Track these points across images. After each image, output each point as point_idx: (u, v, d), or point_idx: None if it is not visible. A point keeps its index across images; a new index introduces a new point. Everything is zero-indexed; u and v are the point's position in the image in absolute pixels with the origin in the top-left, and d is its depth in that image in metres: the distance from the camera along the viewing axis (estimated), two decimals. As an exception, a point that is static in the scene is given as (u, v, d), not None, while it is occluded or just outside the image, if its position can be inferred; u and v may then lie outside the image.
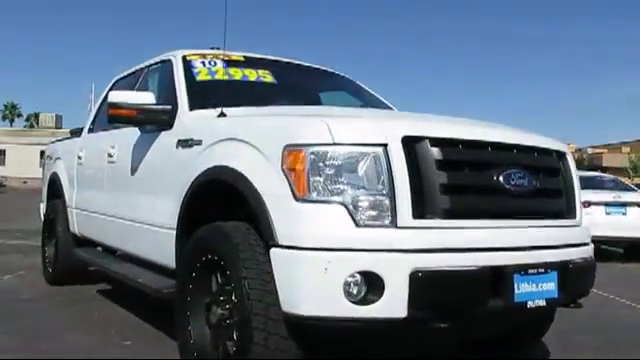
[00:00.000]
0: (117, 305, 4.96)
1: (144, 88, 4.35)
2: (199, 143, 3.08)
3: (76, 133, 5.72)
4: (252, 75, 3.90)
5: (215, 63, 3.88)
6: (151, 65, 4.38)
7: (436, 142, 2.49)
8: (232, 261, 2.58)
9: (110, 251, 4.96)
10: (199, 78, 3.71)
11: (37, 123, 59.82)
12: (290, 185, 2.42)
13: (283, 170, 2.46)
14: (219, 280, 2.80)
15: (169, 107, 3.52)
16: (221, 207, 2.98)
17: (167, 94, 3.69)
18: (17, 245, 9.17)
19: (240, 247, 2.57)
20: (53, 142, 6.74)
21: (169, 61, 3.97)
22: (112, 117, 3.52)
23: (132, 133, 3.94)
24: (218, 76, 3.78)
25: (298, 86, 4.22)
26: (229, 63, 3.93)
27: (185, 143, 3.21)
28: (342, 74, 4.70)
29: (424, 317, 2.35)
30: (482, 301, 2.41)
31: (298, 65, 4.42)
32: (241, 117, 3.09)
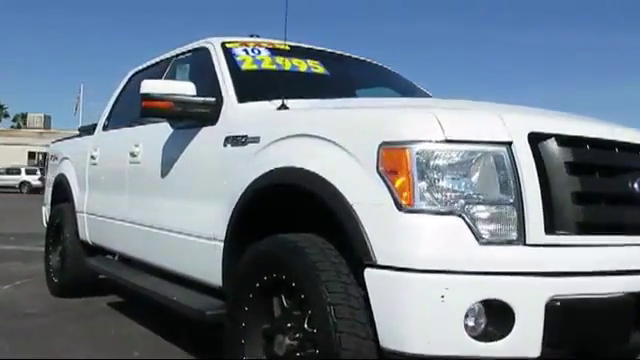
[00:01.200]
0: (134, 321, 4.47)
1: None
2: (255, 140, 2.62)
3: (86, 131, 5.22)
4: (302, 65, 3.45)
5: (259, 51, 3.43)
6: (180, 55, 3.91)
7: (565, 141, 2.05)
8: (308, 282, 2.12)
9: (125, 260, 4.48)
10: (244, 67, 3.25)
11: (24, 124, 58.84)
12: (391, 191, 1.97)
13: (380, 173, 2.01)
14: (285, 304, 2.35)
15: (212, 99, 3.05)
16: (284, 216, 2.53)
17: (205, 86, 3.21)
18: (12, 251, 8.62)
19: (319, 266, 2.12)
20: (56, 141, 6.24)
21: (205, 49, 3.51)
22: (145, 110, 3.05)
23: (162, 130, 3.47)
24: (265, 65, 3.33)
25: (350, 77, 3.77)
26: (273, 52, 3.48)
27: (236, 140, 2.75)
28: (387, 66, 4.26)
29: (559, 357, 1.91)
30: (625, 335, 1.98)
31: (343, 55, 3.97)
32: (311, 110, 2.64)
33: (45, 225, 6.17)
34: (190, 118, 3.09)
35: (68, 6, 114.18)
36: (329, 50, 3.91)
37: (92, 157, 4.64)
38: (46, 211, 6.07)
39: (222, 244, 2.77)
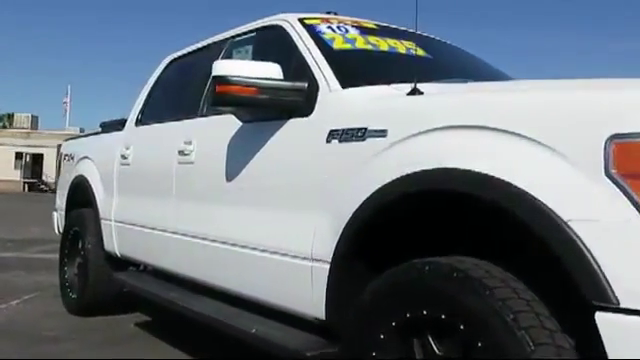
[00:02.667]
0: (174, 347, 3.85)
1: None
2: (380, 134, 2.03)
3: (111, 127, 4.60)
4: (400, 47, 2.86)
5: (346, 29, 2.84)
6: (237, 36, 3.31)
7: None
8: (494, 329, 1.54)
9: (157, 274, 3.87)
10: (336, 47, 2.66)
11: (10, 124, 57.62)
12: (634, 202, 1.40)
13: (611, 177, 1.43)
14: (437, 349, 1.77)
15: (303, 85, 2.46)
16: (421, 232, 1.96)
17: (283, 70, 2.61)
18: (12, 259, 7.94)
19: (512, 305, 1.54)
20: (71, 139, 5.60)
21: (278, 27, 2.91)
22: (219, 97, 2.45)
23: (225, 123, 2.87)
24: (359, 45, 2.74)
25: (449, 61, 3.18)
26: (362, 31, 2.90)
27: (348, 135, 2.15)
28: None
29: None
30: None
31: (429, 37, 3.38)
32: (468, 94, 2.05)
33: (57, 232, 5.54)
34: (277, 108, 2.49)
35: (56, 5, 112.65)
36: (412, 31, 3.31)
37: (123, 156, 4.02)
38: (59, 217, 5.43)
39: (327, 266, 2.18)
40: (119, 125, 4.41)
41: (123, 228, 3.96)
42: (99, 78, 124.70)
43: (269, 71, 2.47)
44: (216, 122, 3.04)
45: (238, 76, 2.43)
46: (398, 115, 2.03)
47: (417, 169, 1.85)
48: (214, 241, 2.88)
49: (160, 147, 3.57)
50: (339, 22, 2.90)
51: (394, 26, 3.16)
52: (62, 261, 4.98)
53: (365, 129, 2.09)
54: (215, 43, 3.57)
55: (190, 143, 3.17)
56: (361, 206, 2.03)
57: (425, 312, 1.75)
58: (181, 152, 3.24)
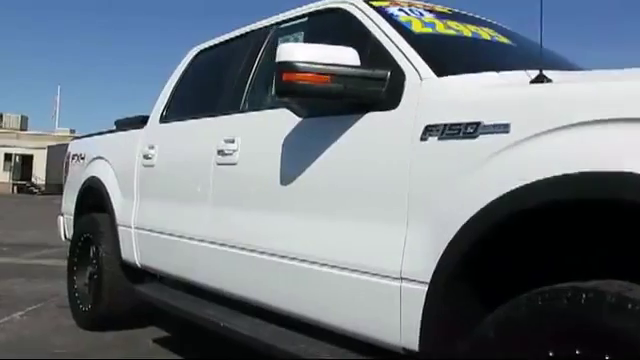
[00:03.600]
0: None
1: (269, 60, 2.93)
2: (500, 130, 1.67)
3: (129, 124, 4.21)
4: (483, 33, 2.52)
5: (421, 13, 2.49)
6: (287, 21, 2.94)
7: None
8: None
9: (180, 286, 3.50)
10: (416, 31, 2.31)
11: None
12: None
13: None
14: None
15: (384, 72, 2.11)
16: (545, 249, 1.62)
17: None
18: (9, 265, 7.51)
19: None
20: (81, 137, 5.20)
21: (340, 10, 2.55)
22: (285, 86, 2.09)
23: (279, 119, 2.52)
24: (440, 29, 2.38)
25: (530, 50, 2.83)
26: (437, 15, 2.55)
27: (454, 131, 1.79)
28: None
29: None
30: None
31: (501, 25, 3.03)
32: (598, 82, 1.71)
33: (64, 239, 5.13)
34: (352, 100, 2.13)
35: (46, 5, 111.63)
36: (478, 16, 2.96)
37: (146, 156, 3.64)
38: (66, 222, 5.03)
39: (422, 287, 1.82)
40: (138, 122, 4.03)
41: (146, 236, 3.57)
42: (89, 79, 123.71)
43: (345, 56, 2.11)
44: (266, 118, 2.68)
45: (309, 62, 2.07)
46: (525, 107, 1.68)
47: (568, 171, 1.49)
48: (263, 253, 2.51)
49: (193, 146, 3.19)
50: (409, 5, 2.55)
51: (465, 12, 2.81)
52: (71, 270, 4.57)
53: (478, 124, 1.73)
54: (254, 32, 3.21)
55: (232, 142, 2.80)
56: (476, 216, 1.67)
57: (579, 352, 1.39)
58: (221, 152, 2.87)
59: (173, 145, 3.44)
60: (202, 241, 2.95)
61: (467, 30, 2.46)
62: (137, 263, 3.74)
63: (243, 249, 2.60)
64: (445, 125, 1.82)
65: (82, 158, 4.76)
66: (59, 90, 63.66)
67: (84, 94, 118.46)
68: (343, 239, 2.13)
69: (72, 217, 4.76)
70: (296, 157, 2.40)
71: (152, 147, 3.59)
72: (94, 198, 4.38)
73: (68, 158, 5.13)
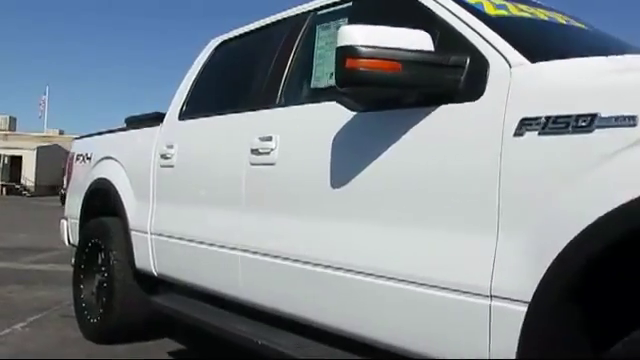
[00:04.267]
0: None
1: (307, 49, 2.67)
2: (626, 122, 1.40)
3: (142, 121, 3.92)
4: (559, 17, 2.27)
5: (484, -5, 2.23)
6: (327, 7, 2.67)
7: None
8: None
9: (200, 297, 3.22)
10: (491, 13, 2.05)
11: (-14, 126, 55.91)
12: None
13: None
14: None
15: (463, 59, 1.84)
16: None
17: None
18: (6, 270, 7.17)
19: None
20: (84, 137, 4.89)
21: (393, -7, 2.30)
22: (350, 75, 1.82)
23: (326, 113, 2.27)
24: (514, 12, 2.12)
25: (602, 36, 2.57)
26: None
27: (561, 124, 1.51)
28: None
29: None
30: None
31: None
32: None
33: (67, 244, 4.83)
34: (424, 90, 1.87)
35: (33, 7, 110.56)
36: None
37: (163, 156, 3.35)
38: (70, 226, 4.72)
39: (519, 307, 1.56)
40: (152, 120, 3.75)
41: (164, 242, 3.28)
42: (78, 80, 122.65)
43: (417, 41, 1.84)
44: (310, 113, 2.42)
45: (376, 47, 1.80)
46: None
47: None
48: (307, 263, 2.24)
49: (220, 145, 2.91)
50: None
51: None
52: (77, 278, 4.28)
53: (594, 115, 1.47)
54: (286, 20, 2.94)
55: (270, 139, 2.53)
56: (595, 226, 1.41)
57: None
58: (255, 151, 2.59)
59: (196, 144, 3.16)
60: (233, 249, 2.67)
61: (541, 14, 2.21)
62: (153, 271, 3.45)
63: (295, 261, 2.30)
64: (548, 118, 1.56)
65: (88, 158, 4.46)
66: (47, 91, 63.06)
67: (73, 95, 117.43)
68: (411, 249, 1.87)
69: (77, 221, 4.46)
70: (351, 157, 2.14)
71: (171, 146, 3.31)
72: (103, 201, 4.09)
73: (71, 159, 4.83)
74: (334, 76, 1.89)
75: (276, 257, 2.41)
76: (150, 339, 4.03)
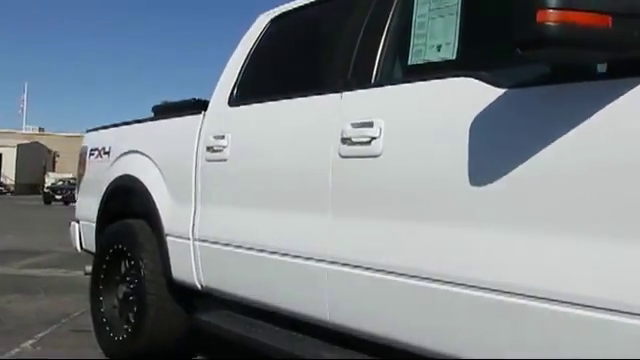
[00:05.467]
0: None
1: (406, 16, 2.19)
2: None
3: (177, 109, 3.40)
4: None
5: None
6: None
7: None
8: None
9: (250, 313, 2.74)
10: None
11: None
12: None
13: None
14: None
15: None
16: None
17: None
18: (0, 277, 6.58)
19: None
20: (98, 129, 4.35)
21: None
22: (540, 31, 1.35)
23: (454, 91, 1.80)
24: None
25: None
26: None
27: None
28: None
29: None
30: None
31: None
32: None
33: (79, 249, 4.30)
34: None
35: (12, 4, 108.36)
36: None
37: (211, 149, 2.85)
38: (83, 230, 4.19)
39: None
40: (190, 108, 3.23)
41: (214, 250, 2.78)
42: (58, 77, 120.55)
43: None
44: (429, 91, 1.94)
45: (573, -6, 1.33)
46: None
47: None
48: (437, 281, 1.76)
49: (294, 134, 2.41)
50: None
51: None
52: (95, 289, 3.74)
53: None
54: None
55: (369, 125, 2.04)
56: None
57: None
58: (348, 140, 2.11)
59: (257, 134, 2.65)
60: (319, 260, 2.19)
61: None
62: (196, 284, 2.95)
63: (425, 279, 1.82)
64: None
65: (106, 153, 3.92)
66: (26, 87, 61.75)
67: (53, 92, 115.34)
68: (602, 265, 1.41)
69: (93, 224, 3.92)
70: (497, 145, 1.67)
71: (221, 137, 2.80)
72: (127, 201, 3.58)
73: (84, 154, 4.28)
74: (515, 34, 1.40)
75: (388, 273, 1.92)
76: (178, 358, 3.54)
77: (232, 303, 2.88)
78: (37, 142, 48.69)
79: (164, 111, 3.54)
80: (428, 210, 1.87)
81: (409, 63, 2.14)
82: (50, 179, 39.21)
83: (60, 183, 34.32)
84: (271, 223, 2.45)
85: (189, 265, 2.97)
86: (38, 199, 33.18)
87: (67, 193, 30.94)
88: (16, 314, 4.73)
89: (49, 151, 51.35)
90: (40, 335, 4.07)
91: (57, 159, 52.83)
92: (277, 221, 2.42)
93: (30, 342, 3.88)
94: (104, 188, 3.77)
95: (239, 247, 2.61)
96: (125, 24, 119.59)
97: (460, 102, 1.80)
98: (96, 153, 4.08)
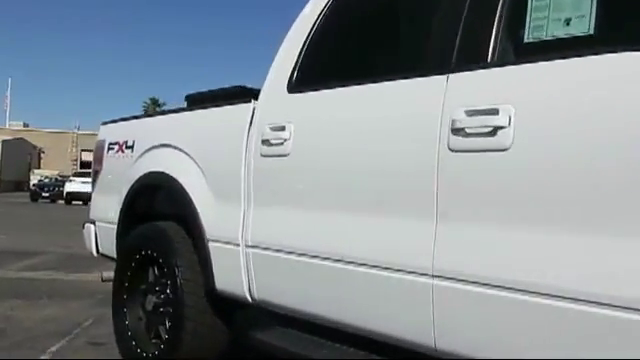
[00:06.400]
0: None
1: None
2: None
3: (217, 97, 3.02)
4: None
5: None
6: None
7: None
8: None
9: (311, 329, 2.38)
10: None
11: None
12: None
13: None
14: None
15: None
16: None
17: None
18: (-3, 281, 6.14)
19: None
20: (117, 121, 3.94)
21: None
22: None
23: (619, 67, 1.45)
24: None
25: None
26: None
27: None
28: None
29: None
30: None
31: None
32: None
33: (95, 254, 3.90)
34: None
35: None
36: None
37: (267, 142, 2.47)
38: (99, 232, 3.80)
39: None
40: (236, 96, 2.85)
41: (272, 259, 2.41)
42: (43, 72, 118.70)
43: None
44: (579, 69, 1.59)
45: None
46: None
47: None
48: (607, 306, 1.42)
49: (384, 124, 2.05)
50: None
51: None
52: (119, 299, 3.35)
53: None
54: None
55: (493, 113, 1.68)
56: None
57: None
58: (460, 131, 1.75)
59: (331, 124, 2.26)
60: (422, 274, 1.83)
61: None
62: (247, 296, 2.58)
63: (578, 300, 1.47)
64: None
65: (129, 147, 3.53)
66: (9, 83, 60.58)
67: (38, 88, 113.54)
68: None
69: (114, 226, 3.53)
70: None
71: (280, 128, 2.42)
72: (158, 201, 3.21)
73: (100, 149, 3.88)
74: None
75: (527, 293, 1.57)
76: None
77: (285, 317, 2.53)
78: (22, 138, 47.69)
79: (201, 100, 3.15)
80: (583, 216, 1.52)
81: (530, 39, 1.80)
82: (35, 176, 38.39)
83: (47, 180, 33.51)
84: (353, 230, 2.08)
85: (238, 275, 2.60)
86: (24, 196, 32.39)
87: (54, 190, 30.23)
88: (22, 324, 4.32)
89: (34, 147, 50.40)
90: (53, 349, 3.67)
91: (42, 155, 51.86)
92: (361, 228, 2.05)
93: (44, 358, 3.48)
94: (127, 186, 3.39)
95: (306, 255, 2.24)
96: (113, 19, 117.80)
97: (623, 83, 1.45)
98: (116, 147, 3.68)
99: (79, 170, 36.08)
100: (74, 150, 51.98)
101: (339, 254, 2.10)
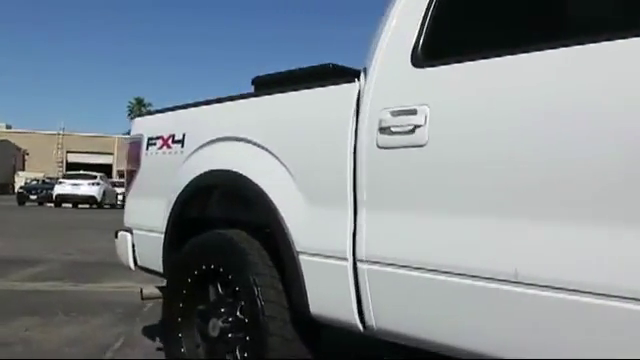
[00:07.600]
0: None
1: None
2: None
3: (299, 78, 2.49)
4: None
5: None
6: None
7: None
8: None
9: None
10: None
11: None
12: None
13: None
14: None
15: None
16: None
17: None
18: (3, 294, 5.53)
19: None
20: (164, 111, 3.39)
21: None
22: None
23: None
24: None
25: None
26: None
27: None
28: None
29: None
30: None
31: None
32: None
33: (132, 266, 3.35)
34: None
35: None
36: None
37: (387, 130, 1.95)
38: (137, 241, 3.26)
39: None
40: (324, 76, 2.33)
41: (402, 278, 1.89)
42: (24, 73, 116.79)
43: None
44: None
45: None
46: None
47: None
48: None
49: (573, 104, 1.54)
50: None
51: None
52: (171, 322, 2.81)
53: None
54: None
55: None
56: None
57: None
58: None
59: (490, 104, 1.74)
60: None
61: None
62: (358, 324, 2.06)
63: None
64: None
65: (177, 142, 2.99)
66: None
67: (20, 89, 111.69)
68: None
69: (159, 235, 2.99)
70: None
71: (410, 111, 1.89)
72: (222, 206, 2.68)
73: (136, 146, 3.33)
74: None
75: None
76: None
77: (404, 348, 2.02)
78: (6, 140, 46.56)
79: (278, 83, 2.61)
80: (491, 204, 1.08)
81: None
82: (20, 178, 37.47)
83: (34, 183, 32.61)
84: (527, 241, 1.57)
85: (344, 296, 2.07)
86: (10, 199, 31.48)
87: (42, 193, 29.36)
88: (41, 346, 3.75)
89: (18, 149, 49.26)
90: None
91: (27, 157, 50.73)
92: (539, 238, 1.54)
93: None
94: (178, 188, 2.85)
95: (451, 274, 1.72)
96: (100, 20, 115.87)
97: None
98: (159, 143, 3.14)
99: (68, 172, 35.13)
100: (59, 152, 50.93)
101: (502, 272, 1.59)
